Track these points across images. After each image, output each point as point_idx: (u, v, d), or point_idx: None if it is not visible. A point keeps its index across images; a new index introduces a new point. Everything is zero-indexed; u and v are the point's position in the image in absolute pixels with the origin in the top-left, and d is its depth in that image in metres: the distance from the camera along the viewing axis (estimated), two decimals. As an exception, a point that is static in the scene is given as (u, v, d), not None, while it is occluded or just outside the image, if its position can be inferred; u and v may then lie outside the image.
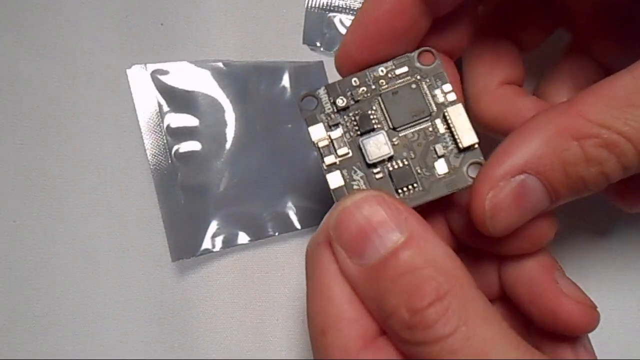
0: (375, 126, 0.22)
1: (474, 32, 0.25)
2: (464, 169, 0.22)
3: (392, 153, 0.22)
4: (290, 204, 0.32)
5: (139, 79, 0.32)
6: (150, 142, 0.31)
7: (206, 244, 0.31)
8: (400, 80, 0.23)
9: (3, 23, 0.33)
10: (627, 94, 0.19)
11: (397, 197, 0.22)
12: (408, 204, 0.22)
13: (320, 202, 0.32)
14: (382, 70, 0.23)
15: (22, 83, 0.33)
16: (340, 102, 0.23)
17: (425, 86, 0.23)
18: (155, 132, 0.31)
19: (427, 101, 0.23)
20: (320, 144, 0.22)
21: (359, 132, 0.22)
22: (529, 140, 0.20)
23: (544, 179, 0.20)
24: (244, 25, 0.33)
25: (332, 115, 0.23)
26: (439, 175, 0.22)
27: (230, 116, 0.32)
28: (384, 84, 0.23)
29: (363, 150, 0.22)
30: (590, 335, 0.22)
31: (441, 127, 0.23)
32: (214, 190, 0.31)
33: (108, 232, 0.32)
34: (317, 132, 0.23)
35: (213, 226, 0.31)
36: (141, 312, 0.32)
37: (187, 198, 0.31)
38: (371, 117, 0.23)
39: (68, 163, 0.32)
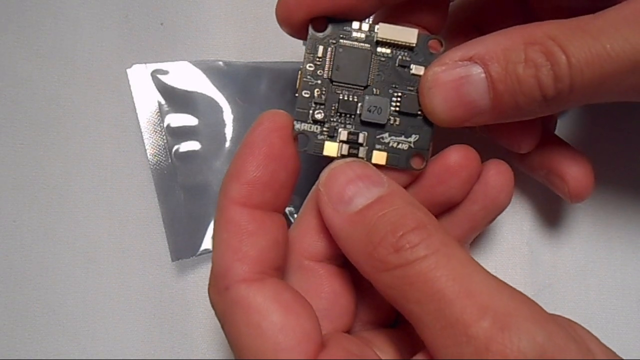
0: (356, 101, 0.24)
1: (447, 14, 0.26)
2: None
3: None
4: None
5: (139, 78, 0.32)
6: (150, 142, 0.31)
7: (206, 244, 0.31)
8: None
9: (3, 23, 0.33)
10: (583, 23, 0.21)
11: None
12: None
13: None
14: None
15: (22, 83, 0.33)
16: (318, 115, 0.23)
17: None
18: (155, 132, 0.31)
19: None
20: (332, 154, 0.24)
21: (349, 115, 0.24)
22: (488, 38, 0.22)
23: (486, 69, 0.21)
24: (244, 25, 0.33)
25: (324, 128, 0.24)
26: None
27: (230, 116, 0.32)
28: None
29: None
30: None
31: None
32: (214, 190, 0.31)
33: (108, 232, 0.32)
34: (331, 149, 0.24)
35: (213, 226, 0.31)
36: (141, 312, 0.32)
37: (187, 198, 0.31)
38: (347, 98, 0.24)
39: (68, 163, 0.32)
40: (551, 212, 0.32)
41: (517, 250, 0.32)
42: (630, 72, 0.20)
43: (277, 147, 0.22)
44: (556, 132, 0.30)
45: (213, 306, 0.22)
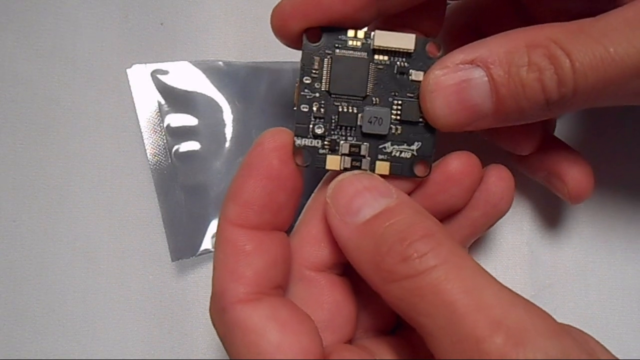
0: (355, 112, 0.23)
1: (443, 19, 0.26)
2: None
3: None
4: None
5: (139, 78, 0.32)
6: (150, 142, 0.31)
7: (206, 244, 0.31)
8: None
9: (3, 23, 0.33)
10: (585, 26, 0.21)
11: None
12: None
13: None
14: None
15: (22, 83, 0.33)
16: (318, 130, 0.23)
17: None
18: (155, 132, 0.31)
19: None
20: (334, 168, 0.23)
21: (350, 127, 0.23)
22: (490, 41, 0.22)
23: (489, 73, 0.21)
24: (244, 25, 0.33)
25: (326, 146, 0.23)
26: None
27: (230, 116, 0.32)
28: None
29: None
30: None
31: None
32: (214, 190, 0.31)
33: (108, 232, 0.32)
34: (334, 163, 0.23)
35: (213, 226, 0.31)
36: (141, 312, 0.32)
37: (187, 198, 0.31)
38: (347, 110, 0.23)
39: (68, 163, 0.32)
40: (551, 212, 0.32)
41: (517, 250, 0.32)
42: (634, 76, 0.20)
43: (276, 167, 0.22)
44: (555, 134, 0.30)
45: (214, 327, 0.22)
